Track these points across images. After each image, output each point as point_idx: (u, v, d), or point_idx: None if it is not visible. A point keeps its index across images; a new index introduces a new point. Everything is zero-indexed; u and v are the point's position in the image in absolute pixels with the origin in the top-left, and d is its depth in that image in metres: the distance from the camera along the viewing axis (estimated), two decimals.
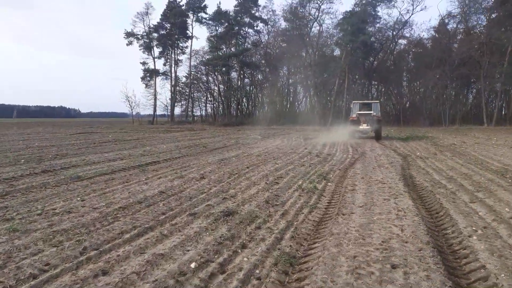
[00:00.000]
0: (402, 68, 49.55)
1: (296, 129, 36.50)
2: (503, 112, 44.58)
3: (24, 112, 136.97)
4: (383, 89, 52.42)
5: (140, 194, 6.43)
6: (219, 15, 50.80)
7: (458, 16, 44.21)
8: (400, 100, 50.49)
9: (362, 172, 9.05)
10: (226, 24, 51.17)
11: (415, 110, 47.24)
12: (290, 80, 53.26)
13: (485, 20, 43.13)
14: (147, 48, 54.05)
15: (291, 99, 55.27)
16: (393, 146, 16.97)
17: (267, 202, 5.86)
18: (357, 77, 51.01)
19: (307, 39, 48.79)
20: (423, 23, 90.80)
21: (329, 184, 7.68)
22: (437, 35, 45.89)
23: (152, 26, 53.85)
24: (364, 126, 20.81)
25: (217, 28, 52.57)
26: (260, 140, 20.98)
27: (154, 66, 54.65)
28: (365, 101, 24.32)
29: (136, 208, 5.48)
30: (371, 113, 20.71)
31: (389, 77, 48.09)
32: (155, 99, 54.62)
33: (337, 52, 50.47)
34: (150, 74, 54.38)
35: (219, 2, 73.73)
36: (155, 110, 55.28)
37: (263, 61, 53.26)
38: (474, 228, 4.55)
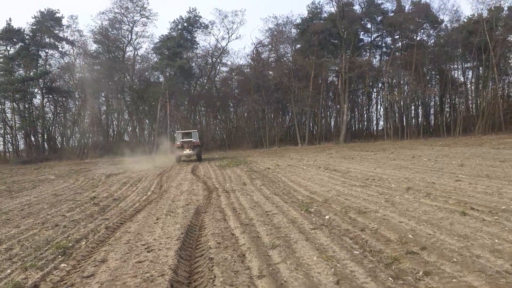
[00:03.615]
0: (227, 94, 50.89)
1: (114, 160, 31.74)
2: (314, 132, 50.50)
3: None
4: (211, 115, 52.62)
5: None
6: (10, 33, 41.21)
7: (269, 45, 48.56)
8: (227, 125, 51.64)
9: (137, 229, 6.34)
10: (21, 44, 42.16)
11: (241, 134, 48.88)
12: (109, 107, 47.51)
13: (290, 49, 48.79)
14: None
15: (113, 127, 49.53)
16: (207, 175, 15.17)
17: None
18: (186, 103, 49.71)
19: (123, 63, 44.77)
20: (239, 51, 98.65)
21: (62, 265, 4.63)
22: (253, 63, 48.98)
23: None
24: (187, 151, 24.18)
25: (8, 48, 42.71)
26: (49, 182, 16.17)
27: None
28: (186, 131, 27.51)
29: None
30: (191, 140, 24.58)
31: (215, 103, 48.67)
32: None
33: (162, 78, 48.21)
34: None
35: (9, 19, 61.85)
36: None
37: (77, 86, 45.87)
38: None
